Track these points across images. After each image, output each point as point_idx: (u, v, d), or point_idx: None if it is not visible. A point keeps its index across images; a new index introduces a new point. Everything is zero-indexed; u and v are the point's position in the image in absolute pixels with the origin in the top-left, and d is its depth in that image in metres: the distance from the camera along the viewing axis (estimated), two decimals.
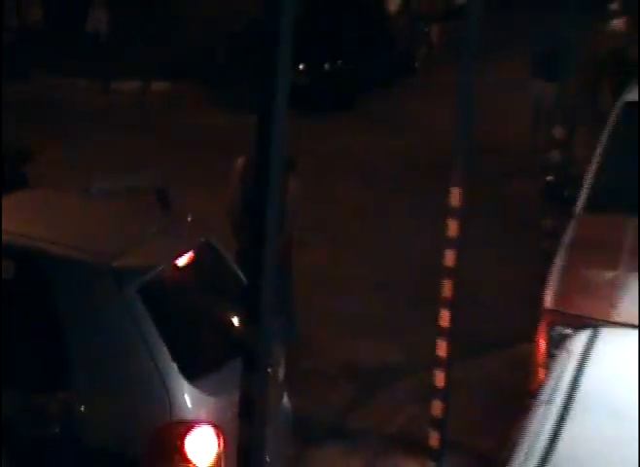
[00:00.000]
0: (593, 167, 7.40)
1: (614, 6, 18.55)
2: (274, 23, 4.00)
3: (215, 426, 5.05)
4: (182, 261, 5.57)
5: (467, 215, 6.80)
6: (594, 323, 4.88)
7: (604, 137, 7.56)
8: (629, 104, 7.75)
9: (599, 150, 7.49)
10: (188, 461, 5.02)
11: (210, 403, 5.13)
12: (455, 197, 6.79)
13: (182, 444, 5.01)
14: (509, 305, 7.67)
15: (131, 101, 16.45)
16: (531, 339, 6.29)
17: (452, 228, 6.85)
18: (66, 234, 5.62)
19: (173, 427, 5.04)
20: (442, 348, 6.85)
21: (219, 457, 5.05)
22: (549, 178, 7.87)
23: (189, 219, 6.22)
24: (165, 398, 5.05)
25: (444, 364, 6.87)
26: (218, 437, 5.04)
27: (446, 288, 6.85)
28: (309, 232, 8.79)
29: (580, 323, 5.14)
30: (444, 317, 6.85)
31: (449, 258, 6.86)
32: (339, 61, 17.27)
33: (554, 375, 4.04)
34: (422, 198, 10.16)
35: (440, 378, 6.85)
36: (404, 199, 11.05)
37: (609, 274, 6.44)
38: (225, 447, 4.99)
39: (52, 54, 17.71)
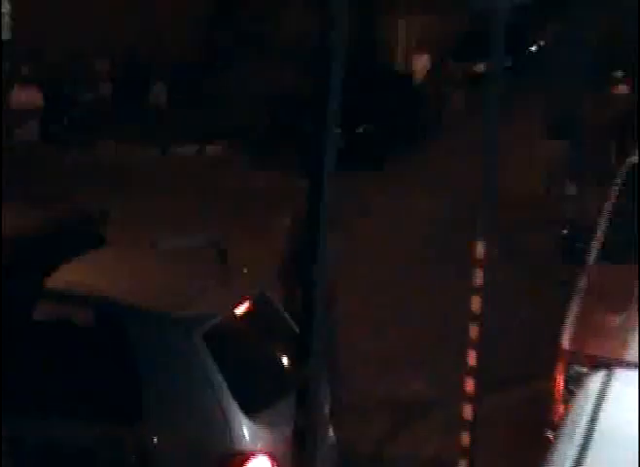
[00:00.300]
0: (603, 222, 7.39)
1: (618, 73, 18.44)
2: (324, 89, 4.03)
3: (270, 455, 5.02)
4: (240, 309, 5.57)
5: (492, 265, 6.74)
6: (608, 363, 4.80)
7: (612, 195, 7.55)
8: (634, 165, 7.75)
9: (608, 206, 7.50)
10: None
11: (266, 435, 5.10)
12: (480, 249, 6.86)
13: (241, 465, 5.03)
14: (531, 347, 7.50)
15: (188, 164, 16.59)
16: (551, 377, 6.22)
17: (478, 276, 6.90)
18: (139, 288, 5.67)
19: (234, 456, 5.03)
20: (469, 384, 6.81)
21: None
22: (564, 231, 7.83)
23: (244, 272, 6.26)
24: (227, 431, 5.04)
25: (471, 399, 6.86)
26: (273, 465, 5.02)
27: (473, 331, 6.87)
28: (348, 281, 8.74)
29: (594, 363, 5.08)
30: (471, 356, 6.83)
31: (475, 303, 6.90)
32: (371, 125, 17.24)
33: (574, 410, 3.96)
34: (451, 250, 10.14)
35: (467, 412, 6.77)
36: (434, 253, 11.02)
37: (620, 318, 6.37)
38: None
39: (120, 124, 17.94)
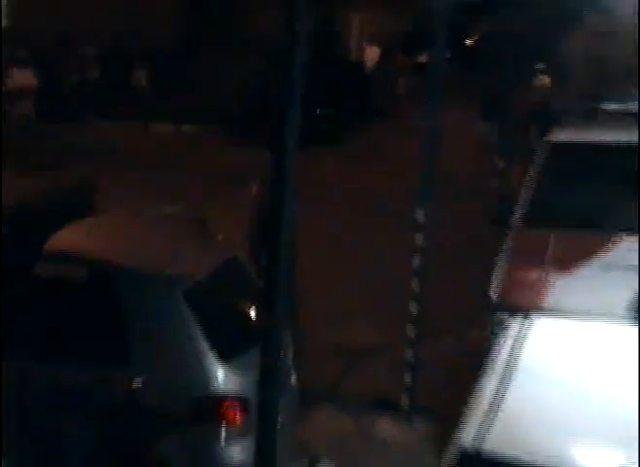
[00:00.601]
0: (525, 193, 7.45)
1: (540, 65, 18.72)
2: (288, 83, 3.98)
3: (240, 396, 5.08)
4: (215, 269, 5.62)
5: (431, 229, 6.80)
6: (527, 310, 4.75)
7: (534, 169, 7.62)
8: (553, 143, 7.82)
9: (530, 179, 7.56)
10: (220, 423, 5.07)
11: (238, 378, 5.14)
12: (420, 214, 6.83)
13: (217, 409, 5.08)
14: (464, 299, 7.53)
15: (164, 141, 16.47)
16: (481, 324, 6.33)
17: (418, 238, 6.89)
18: (127, 250, 5.68)
19: (208, 398, 5.10)
20: (411, 331, 6.84)
21: (243, 419, 5.06)
22: (495, 200, 7.88)
23: (220, 237, 6.28)
24: (203, 376, 5.09)
25: (412, 343, 6.84)
26: (243, 403, 5.05)
27: (415, 285, 6.90)
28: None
29: (516, 310, 5.13)
30: (413, 307, 6.83)
31: (416, 261, 6.87)
32: (327, 107, 17.36)
33: (496, 350, 4.02)
34: (392, 215, 10.17)
35: (409, 355, 6.83)
36: (384, 216, 11.02)
37: (538, 274, 6.43)
38: (248, 411, 5.00)
39: (104, 104, 17.77)
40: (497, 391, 3.57)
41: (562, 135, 7.92)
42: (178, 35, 20.64)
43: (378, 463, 6.11)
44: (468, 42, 29.49)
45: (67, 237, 5.57)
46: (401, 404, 6.87)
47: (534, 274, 6.45)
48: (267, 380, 4.33)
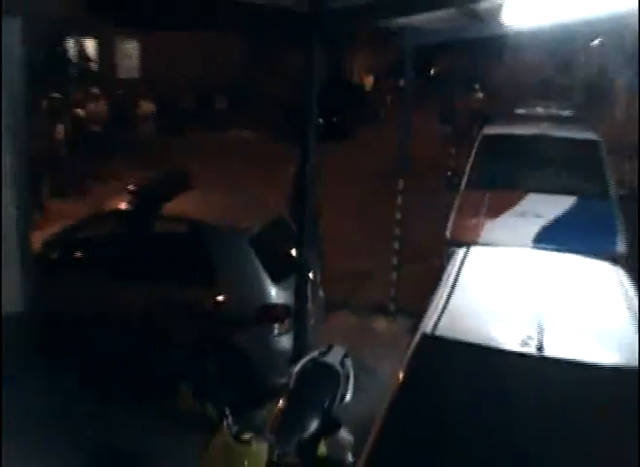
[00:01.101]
0: (468, 168, 7.34)
1: (476, 85, 18.54)
2: (308, 96, 3.96)
3: (285, 305, 5.13)
4: (269, 224, 5.66)
5: (406, 193, 6.75)
6: (469, 243, 4.73)
7: (473, 152, 7.52)
8: (484, 135, 7.70)
9: (471, 159, 7.46)
10: (273, 322, 5.13)
11: (284, 293, 5.16)
12: (400, 184, 6.82)
13: (271, 313, 5.15)
14: (430, 238, 7.36)
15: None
16: (439, 255, 6.24)
17: (399, 199, 6.78)
18: (213, 212, 5.70)
19: (267, 305, 5.16)
20: (394, 260, 6.81)
21: (287, 319, 5.11)
22: (449, 173, 7.79)
23: (271, 204, 6.27)
24: (262, 291, 5.13)
25: (396, 268, 6.85)
26: (287, 310, 5.09)
27: (396, 230, 6.89)
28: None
29: (462, 244, 5.07)
30: (396, 245, 6.78)
31: (398, 215, 6.78)
32: (340, 115, 17.04)
33: (447, 271, 3.98)
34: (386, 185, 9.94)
35: (393, 277, 6.83)
36: (377, 187, 10.84)
37: (476, 219, 6.28)
38: (290, 314, 5.01)
39: (198, 120, 17.67)
40: (448, 296, 3.54)
41: (491, 130, 7.80)
42: (243, 73, 20.49)
43: (375, 346, 6.10)
44: (432, 71, 28.84)
45: (174, 206, 5.60)
46: (389, 308, 6.90)
47: (473, 220, 6.34)
48: (301, 294, 4.38)
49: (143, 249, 5.44)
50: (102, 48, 18.18)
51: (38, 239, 5.32)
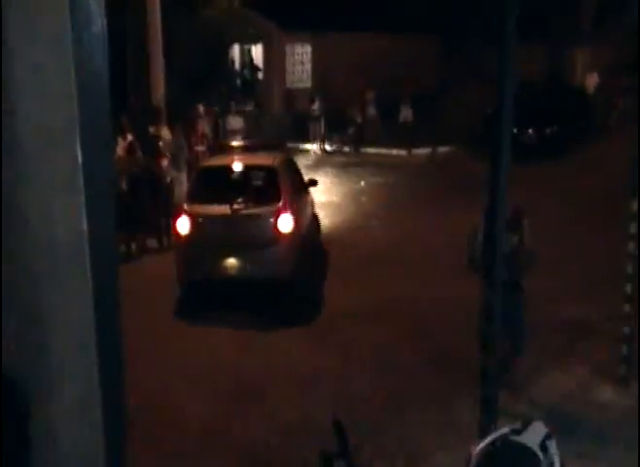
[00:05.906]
0: None
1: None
2: (502, 101, 3.55)
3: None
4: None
5: None
6: None
7: None
8: None
9: None
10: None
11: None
12: (634, 206, 5.49)
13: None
14: None
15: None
16: None
17: (632, 233, 5.53)
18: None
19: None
20: (627, 306, 5.55)
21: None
22: None
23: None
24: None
25: (629, 318, 5.53)
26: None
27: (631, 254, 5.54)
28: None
29: None
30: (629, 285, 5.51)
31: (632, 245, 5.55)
32: (555, 126, 15.38)
33: None
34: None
35: (626, 330, 5.50)
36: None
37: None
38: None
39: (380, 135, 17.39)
40: None
41: None
42: (432, 82, 19.91)
43: (597, 423, 4.94)
44: None
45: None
46: (620, 371, 5.58)
47: None
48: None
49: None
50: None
51: None
